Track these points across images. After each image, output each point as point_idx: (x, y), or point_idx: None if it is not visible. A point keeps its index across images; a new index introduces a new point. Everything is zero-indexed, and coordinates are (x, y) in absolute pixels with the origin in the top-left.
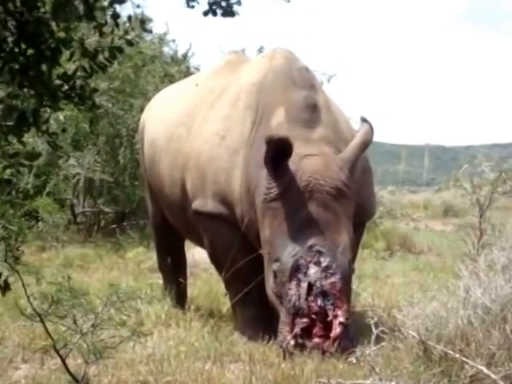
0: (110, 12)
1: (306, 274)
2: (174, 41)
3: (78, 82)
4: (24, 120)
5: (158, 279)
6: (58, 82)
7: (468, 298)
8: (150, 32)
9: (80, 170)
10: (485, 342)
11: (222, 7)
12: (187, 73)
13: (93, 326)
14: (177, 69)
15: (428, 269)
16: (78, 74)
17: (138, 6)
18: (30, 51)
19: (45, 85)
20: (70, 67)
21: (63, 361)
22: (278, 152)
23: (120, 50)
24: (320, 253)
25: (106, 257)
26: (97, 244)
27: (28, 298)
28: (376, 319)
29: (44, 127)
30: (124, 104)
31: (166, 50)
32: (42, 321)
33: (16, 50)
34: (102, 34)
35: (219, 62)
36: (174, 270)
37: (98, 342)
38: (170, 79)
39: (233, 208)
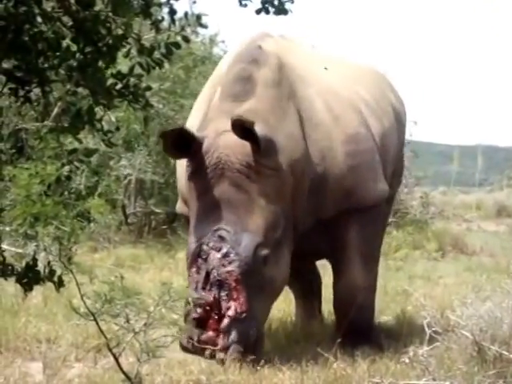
0: (166, 8)
1: (205, 260)
2: (223, 42)
3: (132, 81)
4: (79, 118)
5: None
6: (111, 80)
7: None
8: (206, 27)
9: (131, 171)
10: None
11: (274, 5)
12: None
13: (145, 325)
14: None
15: (481, 269)
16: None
17: (195, 2)
18: (87, 48)
19: (100, 83)
20: (123, 67)
21: (116, 359)
22: (174, 143)
23: (177, 45)
24: (221, 238)
25: (157, 257)
26: (148, 244)
27: (81, 297)
28: (429, 319)
29: (98, 125)
30: (175, 105)
31: (215, 50)
32: (95, 320)
33: (73, 47)
34: (158, 31)
35: None
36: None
37: (150, 341)
38: None
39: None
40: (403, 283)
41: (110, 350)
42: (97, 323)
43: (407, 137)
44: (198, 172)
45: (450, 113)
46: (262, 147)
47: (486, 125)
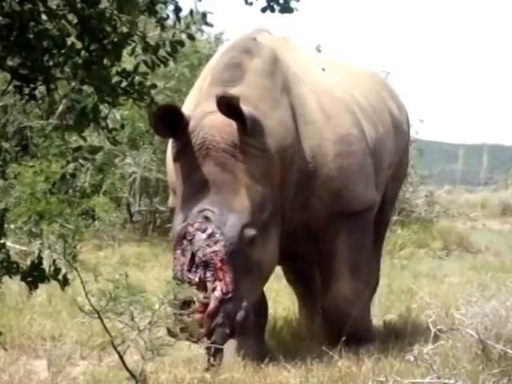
0: (171, 6)
1: (191, 242)
2: (228, 40)
3: (137, 78)
4: (84, 116)
5: None
6: (116, 78)
7: None
8: (211, 26)
9: (136, 169)
10: None
11: (279, 3)
12: None
13: (150, 323)
14: None
15: (486, 268)
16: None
17: (200, 0)
18: (92, 46)
19: (105, 81)
20: (128, 65)
21: (121, 357)
22: (163, 121)
23: (181, 43)
24: (207, 218)
25: (161, 255)
26: (152, 242)
27: (86, 295)
28: (434, 318)
29: (103, 123)
30: (180, 103)
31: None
32: (100, 318)
33: (78, 45)
34: (163, 28)
35: None
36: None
37: (155, 339)
38: None
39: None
40: (408, 281)
41: (115, 347)
42: (101, 321)
43: (413, 135)
44: (184, 152)
45: (455, 111)
46: (248, 125)
47: (492, 124)
